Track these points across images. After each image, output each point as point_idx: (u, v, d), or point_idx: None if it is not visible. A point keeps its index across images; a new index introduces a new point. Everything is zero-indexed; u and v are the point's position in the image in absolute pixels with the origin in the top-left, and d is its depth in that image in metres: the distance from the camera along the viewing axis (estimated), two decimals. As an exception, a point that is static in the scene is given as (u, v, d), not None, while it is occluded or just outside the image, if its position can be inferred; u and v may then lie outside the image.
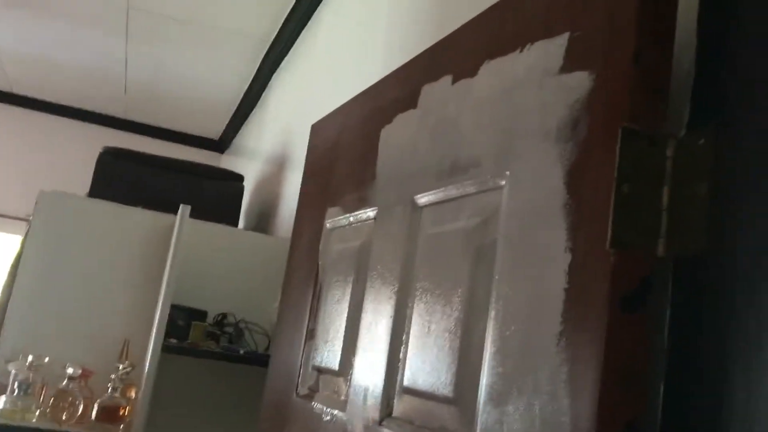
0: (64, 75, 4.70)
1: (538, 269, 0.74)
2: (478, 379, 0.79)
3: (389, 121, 1.19)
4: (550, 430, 0.66)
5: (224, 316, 2.34)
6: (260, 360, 2.08)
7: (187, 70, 4.30)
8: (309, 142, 1.60)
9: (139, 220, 2.41)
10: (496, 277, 0.81)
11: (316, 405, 1.22)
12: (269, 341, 2.31)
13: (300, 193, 1.59)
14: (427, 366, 0.92)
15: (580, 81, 0.73)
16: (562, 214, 0.72)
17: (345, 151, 1.39)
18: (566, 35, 0.77)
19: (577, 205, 0.71)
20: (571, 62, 0.76)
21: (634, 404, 0.63)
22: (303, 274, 1.46)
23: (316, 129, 1.60)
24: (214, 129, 5.38)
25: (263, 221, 3.26)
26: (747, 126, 0.62)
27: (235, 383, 2.34)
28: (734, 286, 0.59)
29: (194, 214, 2.18)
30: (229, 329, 2.31)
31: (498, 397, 0.75)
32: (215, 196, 2.93)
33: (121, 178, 2.88)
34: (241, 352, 2.19)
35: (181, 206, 2.12)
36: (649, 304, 0.64)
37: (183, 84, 4.53)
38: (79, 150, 4.68)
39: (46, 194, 2.41)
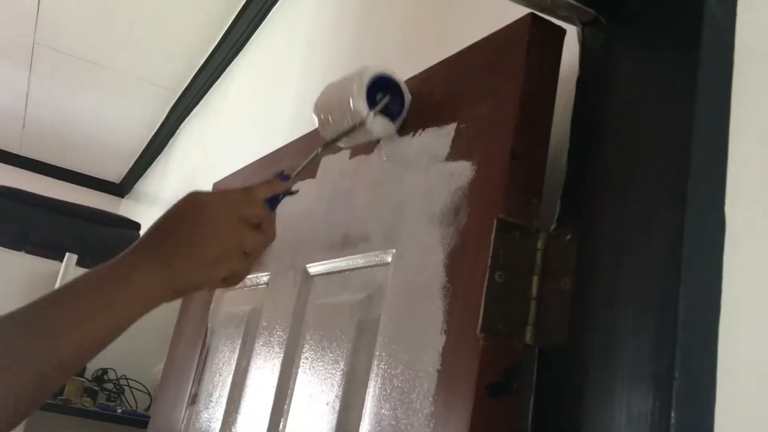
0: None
1: (415, 348, 0.76)
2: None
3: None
4: None
5: (105, 371, 2.23)
6: (138, 421, 1.98)
7: (91, 112, 4.18)
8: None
9: (21, 265, 2.29)
10: (377, 353, 0.82)
11: None
12: (150, 400, 2.21)
13: (195, 250, 1.56)
14: (305, 440, 0.91)
15: (463, 170, 0.77)
16: (440, 296, 0.74)
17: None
18: (453, 125, 0.82)
19: (454, 289, 0.73)
20: (456, 151, 0.80)
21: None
22: (191, 335, 1.42)
23: (217, 187, 1.59)
24: (115, 172, 5.23)
25: (157, 273, 3.15)
26: (604, 225, 0.67)
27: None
28: (587, 378, 0.62)
29: (83, 262, 2.09)
30: (109, 385, 2.20)
31: (369, 477, 0.75)
32: (107, 243, 2.82)
33: (8, 219, 2.74)
34: (119, 411, 2.08)
35: (67, 255, 2.03)
36: (514, 390, 0.66)
37: (86, 125, 4.40)
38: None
39: None
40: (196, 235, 0.70)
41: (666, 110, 0.64)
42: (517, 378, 0.67)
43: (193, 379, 1.32)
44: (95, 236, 2.81)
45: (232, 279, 0.72)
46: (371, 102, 0.86)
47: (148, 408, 2.19)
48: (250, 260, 0.73)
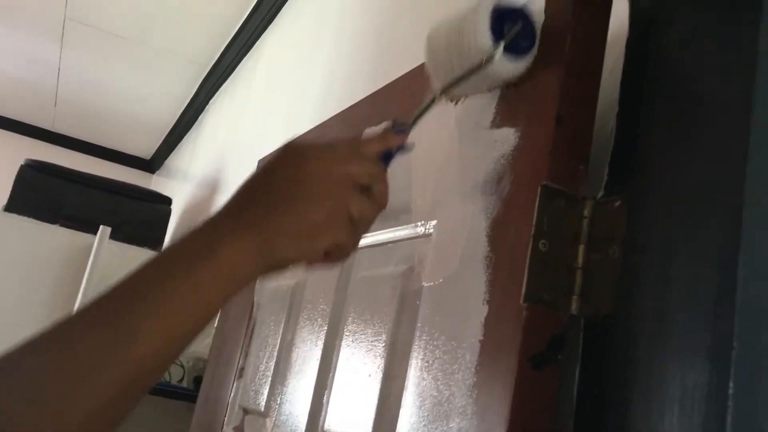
0: (-11, 81, 4.53)
1: (457, 319, 0.74)
2: (395, 426, 0.78)
3: (332, 161, 1.19)
4: (458, 483, 0.66)
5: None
6: (172, 392, 2.01)
7: (122, 87, 4.21)
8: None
9: (56, 238, 2.32)
10: (419, 324, 0.81)
11: None
12: (184, 373, 2.23)
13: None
14: (349, 411, 0.91)
15: (506, 137, 0.75)
16: (483, 266, 0.73)
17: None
18: (498, 90, 0.79)
19: (497, 259, 0.72)
20: (500, 117, 0.78)
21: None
22: (238, 310, 1.43)
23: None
24: (146, 148, 5.27)
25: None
26: (656, 193, 0.64)
27: (145, 415, 2.24)
28: (637, 348, 0.61)
29: (116, 236, 2.11)
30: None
31: (411, 448, 0.74)
32: (140, 217, 2.84)
33: (42, 193, 2.77)
34: (153, 382, 2.11)
35: (101, 227, 2.05)
36: (559, 361, 0.65)
37: (117, 100, 4.43)
38: (1, 160, 4.50)
39: (-43, 204, 2.29)
40: (294, 195, 0.56)
41: (724, 73, 0.61)
42: (561, 349, 0.65)
43: (240, 353, 1.33)
44: (128, 211, 2.84)
45: (337, 253, 0.59)
46: (497, 34, 0.70)
47: (182, 380, 2.22)
48: (358, 231, 0.59)
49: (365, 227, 0.60)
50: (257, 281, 1.35)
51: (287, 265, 0.57)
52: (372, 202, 0.60)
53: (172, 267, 0.52)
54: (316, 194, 0.56)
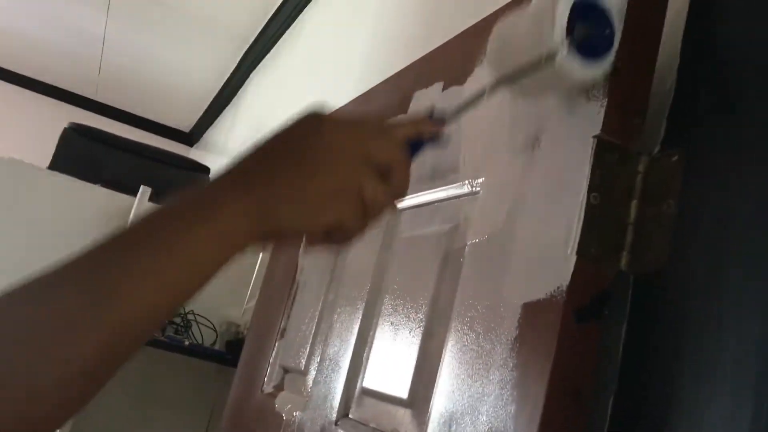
0: (37, 48, 4.61)
1: (501, 275, 0.73)
2: (434, 383, 0.78)
3: (380, 125, 1.18)
4: (495, 436, 0.65)
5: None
6: (204, 354, 2.03)
7: (165, 58, 4.25)
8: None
9: (96, 197, 2.35)
10: (462, 281, 0.80)
11: (279, 403, 1.20)
12: (216, 336, 2.26)
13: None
14: (387, 368, 0.91)
15: (560, 89, 0.73)
16: (530, 221, 0.71)
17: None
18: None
19: (545, 214, 0.70)
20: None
21: (578, 419, 0.62)
22: (282, 273, 1.44)
23: None
24: (186, 121, 5.33)
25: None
26: (715, 149, 0.62)
27: (177, 375, 2.28)
28: (690, 305, 0.59)
29: (155, 200, 2.13)
30: (177, 319, 2.26)
31: (449, 401, 0.73)
32: (179, 185, 2.86)
33: (84, 156, 2.82)
34: (186, 343, 2.14)
35: (142, 187, 2.08)
36: (605, 316, 0.63)
37: (160, 71, 4.48)
38: (45, 126, 4.55)
39: (2, 161, 2.33)
40: (302, 162, 0.52)
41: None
42: (608, 304, 0.63)
43: (283, 315, 1.34)
44: (167, 177, 2.86)
45: (340, 234, 0.54)
46: (570, 33, 0.63)
47: (214, 343, 2.24)
48: (367, 215, 0.54)
49: (376, 213, 0.55)
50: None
51: (286, 234, 0.53)
52: (388, 188, 0.54)
53: (167, 223, 0.49)
54: (328, 165, 0.53)
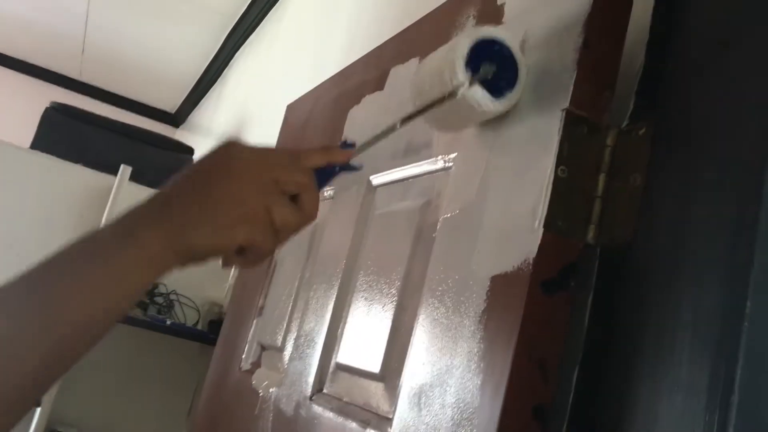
0: (18, 27, 4.55)
1: (471, 248, 0.73)
2: (405, 357, 0.78)
3: (357, 101, 1.18)
4: (462, 408, 0.65)
5: (155, 285, 2.29)
6: (186, 333, 2.04)
7: (149, 38, 4.21)
8: (283, 121, 1.59)
9: (77, 177, 2.33)
10: (434, 256, 0.80)
11: (255, 380, 1.21)
12: (199, 316, 2.26)
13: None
14: (361, 343, 0.91)
15: (529, 59, 0.73)
16: (498, 194, 0.72)
17: (314, 130, 1.38)
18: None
19: (514, 187, 0.70)
20: (528, 45, 0.75)
21: (543, 389, 0.62)
22: None
23: (291, 108, 1.59)
24: (171, 102, 5.29)
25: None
26: (682, 124, 0.62)
27: (160, 354, 2.28)
28: (654, 277, 0.59)
29: (136, 179, 2.12)
30: (159, 299, 2.26)
31: (419, 374, 0.74)
32: (162, 166, 2.85)
33: (65, 136, 2.79)
34: (168, 323, 2.14)
35: (122, 166, 2.06)
36: (571, 288, 0.64)
37: (144, 51, 4.44)
38: (27, 105, 4.50)
39: (-17, 141, 2.31)
40: (214, 189, 0.57)
41: (760, 8, 0.59)
42: (575, 276, 0.64)
43: (261, 293, 1.35)
44: (150, 158, 2.84)
45: (253, 253, 0.59)
46: (474, 71, 0.70)
47: (197, 323, 2.25)
48: (278, 236, 0.59)
49: (287, 234, 0.60)
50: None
51: (202, 255, 0.58)
52: (297, 211, 0.60)
53: (96, 249, 0.55)
54: (235, 191, 0.58)
